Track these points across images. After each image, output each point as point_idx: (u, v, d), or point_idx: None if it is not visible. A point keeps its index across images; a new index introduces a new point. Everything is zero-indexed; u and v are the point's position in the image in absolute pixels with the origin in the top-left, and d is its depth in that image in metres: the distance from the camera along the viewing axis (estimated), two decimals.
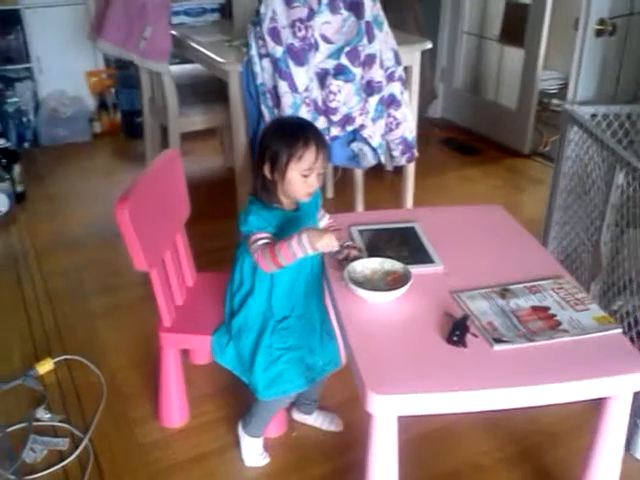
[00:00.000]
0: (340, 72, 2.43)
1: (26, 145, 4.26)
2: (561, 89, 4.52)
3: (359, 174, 3.15)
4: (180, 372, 1.95)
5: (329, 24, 2.42)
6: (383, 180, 3.58)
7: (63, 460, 1.88)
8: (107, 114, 4.51)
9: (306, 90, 2.43)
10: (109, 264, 2.87)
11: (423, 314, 1.48)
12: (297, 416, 2.02)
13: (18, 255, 3.05)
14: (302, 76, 2.40)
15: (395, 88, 2.62)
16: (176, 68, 3.43)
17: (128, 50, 2.95)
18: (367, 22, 2.45)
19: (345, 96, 2.46)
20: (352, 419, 1.97)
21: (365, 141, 2.60)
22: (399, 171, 3.09)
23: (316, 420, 2.00)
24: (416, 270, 1.59)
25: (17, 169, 3.49)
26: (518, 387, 1.28)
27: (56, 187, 3.74)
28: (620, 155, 1.94)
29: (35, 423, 2.00)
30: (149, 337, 2.06)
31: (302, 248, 1.47)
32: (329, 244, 1.48)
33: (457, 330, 1.39)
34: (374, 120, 2.57)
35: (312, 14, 2.38)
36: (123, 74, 4.36)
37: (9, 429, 1.97)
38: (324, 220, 1.80)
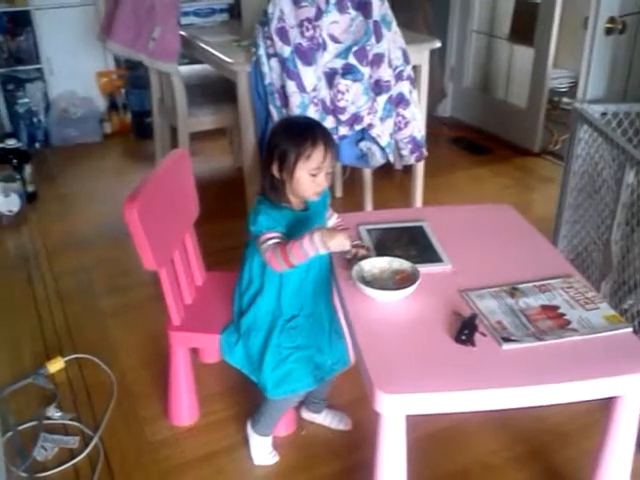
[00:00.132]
0: (348, 71, 2.43)
1: (37, 145, 4.29)
2: (571, 87, 4.51)
3: (368, 173, 3.14)
4: (189, 371, 1.96)
5: (337, 24, 2.42)
6: (392, 179, 3.57)
7: (74, 458, 1.90)
8: (117, 114, 4.53)
9: (314, 90, 2.43)
10: (119, 263, 2.88)
11: (431, 313, 1.48)
12: (306, 415, 2.02)
13: (29, 255, 3.07)
14: (310, 76, 2.40)
15: (404, 87, 2.61)
16: (185, 68, 3.44)
17: (137, 51, 2.96)
18: (375, 21, 2.44)
19: (353, 95, 2.46)
20: (361, 418, 1.97)
21: (373, 140, 2.60)
22: (408, 170, 3.08)
23: (325, 419, 2.01)
24: (424, 269, 1.59)
25: (28, 169, 3.52)
26: (527, 386, 1.27)
27: (67, 187, 3.76)
28: (630, 154, 1.93)
29: (46, 421, 2.01)
30: (159, 336, 2.07)
31: (314, 247, 1.47)
32: (341, 243, 1.48)
33: (466, 329, 1.38)
34: (382, 119, 2.57)
35: (320, 14, 2.38)
36: (133, 75, 4.38)
37: (20, 427, 1.98)
38: (332, 219, 1.80)
